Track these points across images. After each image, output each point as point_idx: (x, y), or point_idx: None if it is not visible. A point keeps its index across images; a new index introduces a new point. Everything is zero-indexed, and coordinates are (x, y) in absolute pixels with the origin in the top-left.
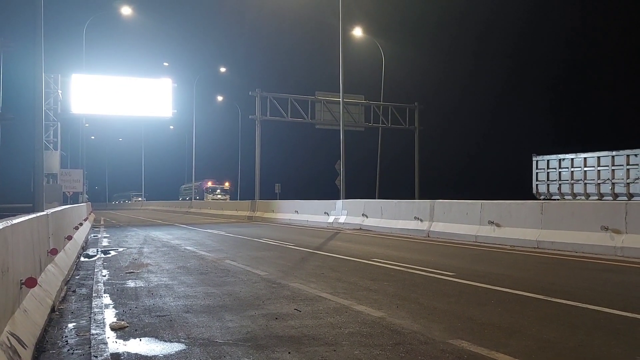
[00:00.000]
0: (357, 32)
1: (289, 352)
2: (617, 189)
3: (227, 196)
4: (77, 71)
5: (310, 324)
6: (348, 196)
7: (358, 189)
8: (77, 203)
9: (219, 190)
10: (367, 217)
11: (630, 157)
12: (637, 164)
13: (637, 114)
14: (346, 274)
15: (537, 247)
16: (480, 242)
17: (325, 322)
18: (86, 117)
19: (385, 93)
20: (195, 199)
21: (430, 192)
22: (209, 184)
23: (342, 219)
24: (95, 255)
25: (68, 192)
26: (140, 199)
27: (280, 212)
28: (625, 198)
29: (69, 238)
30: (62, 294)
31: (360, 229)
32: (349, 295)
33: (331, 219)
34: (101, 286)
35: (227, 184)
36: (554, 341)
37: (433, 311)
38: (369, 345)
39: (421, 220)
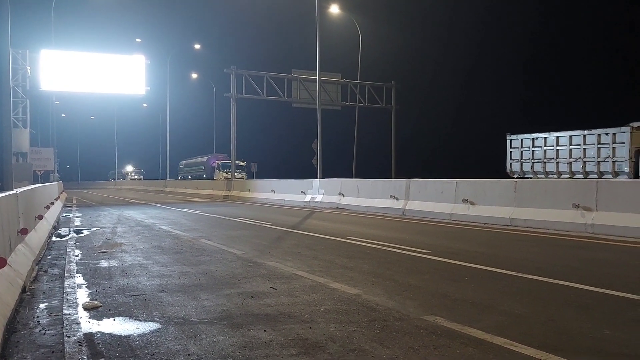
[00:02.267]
0: (334, 9)
1: (265, 330)
2: (588, 168)
3: (244, 174)
4: (47, 47)
5: (286, 301)
6: (325, 175)
7: (335, 168)
8: (48, 182)
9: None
10: (343, 196)
11: (602, 136)
12: (607, 143)
13: (611, 93)
14: (322, 252)
15: (511, 225)
16: (455, 220)
17: (301, 300)
18: (56, 94)
19: (362, 72)
20: (203, 177)
21: (407, 170)
22: (220, 159)
23: (319, 198)
24: (67, 235)
25: (38, 171)
26: (137, 175)
27: (256, 191)
28: (596, 176)
29: (40, 217)
30: (34, 274)
31: (337, 207)
32: (325, 273)
33: (308, 198)
34: (73, 266)
35: (242, 159)
36: (525, 316)
37: (408, 288)
38: (344, 322)
39: (397, 199)
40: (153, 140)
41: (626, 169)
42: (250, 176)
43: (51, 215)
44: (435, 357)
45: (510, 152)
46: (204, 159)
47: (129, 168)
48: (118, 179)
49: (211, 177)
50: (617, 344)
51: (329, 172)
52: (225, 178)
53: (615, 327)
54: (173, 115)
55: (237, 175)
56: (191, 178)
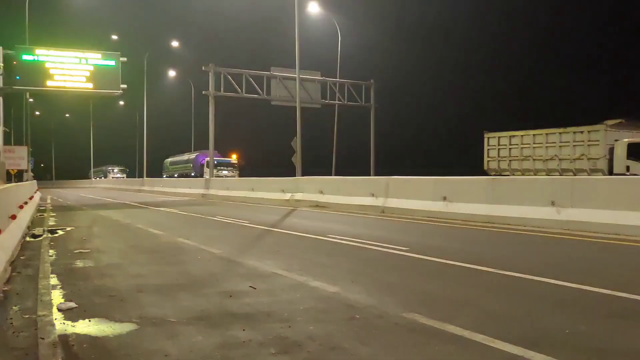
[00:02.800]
0: (313, 8)
1: (244, 329)
2: (564, 165)
3: (237, 172)
4: (20, 44)
5: (265, 301)
6: (304, 173)
7: (315, 166)
8: (22, 181)
9: (227, 168)
10: (323, 194)
11: (577, 134)
12: (582, 141)
13: (588, 92)
14: (302, 250)
15: (488, 222)
16: (434, 218)
17: (281, 299)
18: (30, 92)
19: (341, 70)
20: (190, 176)
21: (386, 169)
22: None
23: (299, 196)
24: (42, 235)
25: (12, 170)
26: (119, 175)
27: (235, 190)
28: (571, 174)
29: (13, 217)
30: (7, 275)
31: (317, 205)
32: (305, 271)
33: (287, 196)
34: (48, 266)
35: (234, 156)
36: (502, 312)
37: (387, 285)
38: (324, 321)
39: (376, 197)
40: (131, 139)
41: (601, 167)
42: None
43: (25, 215)
44: (415, 354)
45: (488, 150)
46: (192, 156)
47: (112, 166)
48: (99, 177)
49: (200, 175)
50: (592, 339)
51: (309, 170)
52: (216, 176)
53: (590, 323)
54: (151, 113)
55: (228, 174)
56: (177, 176)
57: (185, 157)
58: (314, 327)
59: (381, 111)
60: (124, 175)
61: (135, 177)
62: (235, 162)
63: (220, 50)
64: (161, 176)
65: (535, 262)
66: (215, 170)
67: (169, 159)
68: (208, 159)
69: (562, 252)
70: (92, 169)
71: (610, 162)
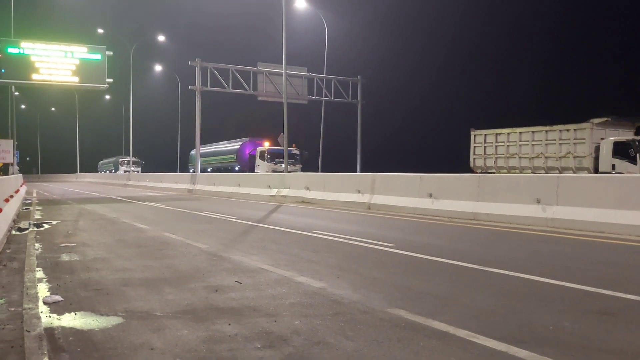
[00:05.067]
0: (301, 3)
1: (229, 324)
2: (550, 163)
3: (299, 166)
4: (6, 37)
5: (251, 295)
6: (205, 171)
7: (301, 162)
8: (7, 175)
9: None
10: (309, 190)
11: (563, 132)
12: (568, 139)
13: (571, 91)
14: (288, 246)
15: (474, 219)
16: (420, 214)
17: (266, 294)
18: (15, 85)
19: (328, 66)
20: (233, 170)
21: (372, 165)
22: (265, 145)
23: (285, 192)
24: (28, 229)
25: None
26: (134, 168)
27: (221, 185)
28: (557, 172)
29: None
30: None
31: (303, 201)
32: (291, 267)
33: (274, 192)
34: (34, 260)
35: (294, 146)
36: (487, 308)
37: (373, 281)
38: (309, 316)
39: (363, 193)
40: (117, 133)
41: (586, 165)
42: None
43: (11, 209)
44: (399, 350)
45: (474, 147)
46: (235, 145)
47: (126, 158)
48: (109, 171)
49: (250, 169)
50: (576, 336)
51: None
52: (273, 171)
53: (574, 319)
54: (137, 107)
55: (289, 168)
56: (211, 171)
57: (224, 146)
58: (300, 322)
59: (368, 107)
60: (139, 169)
61: (148, 172)
62: (298, 151)
63: (207, 46)
64: (174, 170)
65: (520, 259)
66: (272, 164)
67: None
68: (263, 148)
69: (547, 249)
70: (100, 161)
71: (596, 160)
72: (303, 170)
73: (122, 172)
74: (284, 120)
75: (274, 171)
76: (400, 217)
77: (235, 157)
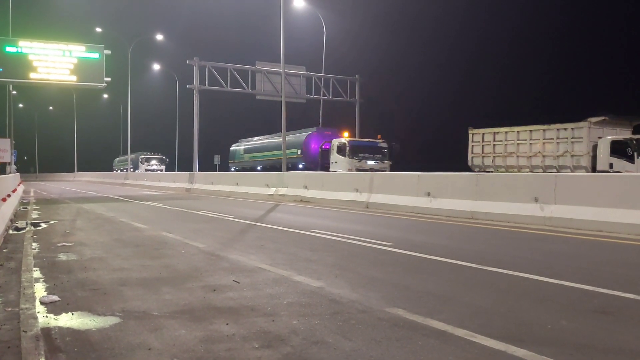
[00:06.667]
0: (299, 2)
1: (227, 324)
2: (548, 162)
3: (389, 162)
4: (3, 35)
5: (249, 295)
6: (254, 169)
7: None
8: (4, 174)
9: (373, 156)
10: (308, 189)
11: (561, 131)
12: (566, 138)
13: (570, 89)
14: (286, 245)
15: (472, 218)
16: (418, 213)
17: (264, 293)
18: (13, 84)
19: (326, 65)
20: (296, 167)
21: None
22: (345, 136)
23: (283, 191)
24: (25, 228)
25: None
26: (156, 167)
27: (219, 184)
28: (555, 170)
29: None
30: None
31: (302, 200)
32: (289, 266)
33: (272, 191)
34: (31, 260)
35: (379, 137)
36: (485, 307)
37: (371, 280)
38: (307, 315)
39: (361, 192)
40: (115, 132)
41: (584, 164)
42: (213, 169)
43: (8, 208)
44: (397, 349)
45: (472, 146)
46: (299, 137)
47: (147, 154)
48: (127, 170)
49: (321, 166)
50: (573, 335)
51: None
52: (357, 170)
53: (572, 318)
54: (135, 106)
55: (376, 166)
56: (261, 169)
57: (281, 139)
58: (298, 321)
59: (366, 107)
60: (163, 168)
61: (172, 171)
62: (386, 145)
63: (205, 45)
64: (173, 169)
65: (518, 257)
66: (355, 160)
67: (241, 145)
68: (342, 140)
69: (545, 248)
70: (116, 158)
71: (594, 159)
72: (392, 168)
73: (142, 172)
74: (283, 119)
75: (358, 169)
76: (398, 216)
77: (299, 152)
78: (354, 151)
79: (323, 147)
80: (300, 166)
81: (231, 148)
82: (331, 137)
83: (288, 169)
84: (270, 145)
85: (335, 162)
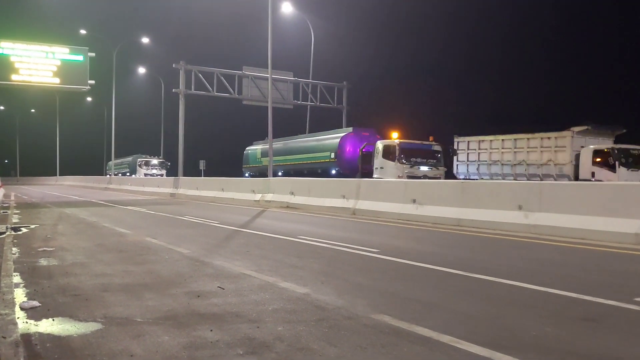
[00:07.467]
0: (287, 7)
1: (211, 330)
2: (531, 170)
3: (442, 170)
4: None
5: (233, 301)
6: (275, 174)
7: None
8: None
9: (426, 161)
10: (294, 195)
11: (544, 140)
12: (550, 147)
13: (554, 99)
14: (272, 251)
15: (458, 225)
16: (404, 220)
17: (249, 300)
18: None
19: (314, 71)
20: (320, 174)
21: None
22: (393, 137)
23: (269, 197)
24: (5, 233)
25: None
26: (157, 171)
27: (205, 189)
28: (538, 179)
29: None
30: None
31: (288, 207)
32: (274, 272)
33: (258, 197)
34: (10, 264)
35: (431, 139)
36: (471, 314)
37: (357, 287)
38: (292, 322)
39: (348, 199)
40: (98, 136)
41: (567, 172)
42: (198, 174)
43: None
44: (383, 355)
45: (457, 153)
46: (333, 139)
47: (146, 157)
48: (123, 174)
49: (361, 172)
50: (558, 341)
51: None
52: (409, 177)
53: (557, 325)
54: (119, 110)
55: (429, 174)
56: (282, 174)
57: (312, 141)
58: (283, 327)
59: (353, 113)
60: (163, 172)
61: (172, 175)
62: (439, 148)
63: (192, 49)
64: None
65: (504, 265)
66: (406, 165)
67: (258, 147)
68: (390, 142)
69: (530, 255)
70: (111, 160)
71: (577, 168)
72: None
73: (141, 176)
74: (269, 125)
75: (409, 176)
76: (385, 222)
77: (332, 156)
78: (405, 155)
79: (364, 150)
80: (333, 172)
81: (245, 151)
82: (369, 139)
83: (318, 175)
84: (294, 148)
85: (381, 168)
